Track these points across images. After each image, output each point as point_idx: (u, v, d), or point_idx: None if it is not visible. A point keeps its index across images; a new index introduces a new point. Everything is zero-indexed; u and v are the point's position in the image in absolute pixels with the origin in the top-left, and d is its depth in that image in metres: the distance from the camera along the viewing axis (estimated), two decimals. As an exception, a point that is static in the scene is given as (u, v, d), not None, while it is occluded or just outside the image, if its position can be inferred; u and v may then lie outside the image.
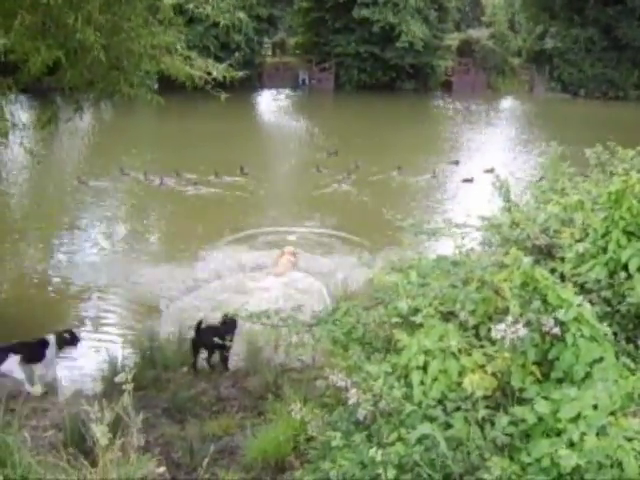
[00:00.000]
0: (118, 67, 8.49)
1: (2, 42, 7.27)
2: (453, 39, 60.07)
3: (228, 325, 9.11)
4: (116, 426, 4.01)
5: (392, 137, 31.77)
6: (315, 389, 7.11)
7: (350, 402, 4.32)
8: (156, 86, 9.48)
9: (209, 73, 9.46)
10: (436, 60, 54.95)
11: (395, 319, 4.71)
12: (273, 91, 49.72)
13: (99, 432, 3.49)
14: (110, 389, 7.95)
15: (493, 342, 4.30)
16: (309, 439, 5.99)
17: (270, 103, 47.93)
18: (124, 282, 13.82)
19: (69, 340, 9.45)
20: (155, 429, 6.97)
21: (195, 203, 20.67)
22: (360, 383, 4.61)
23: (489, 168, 22.43)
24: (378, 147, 27.67)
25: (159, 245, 17.24)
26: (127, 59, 8.43)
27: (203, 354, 9.29)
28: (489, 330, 4.40)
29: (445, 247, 6.68)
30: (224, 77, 9.54)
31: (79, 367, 9.96)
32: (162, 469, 6.43)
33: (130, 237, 17.65)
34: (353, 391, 4.29)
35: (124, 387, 3.71)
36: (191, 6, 9.12)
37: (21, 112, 9.45)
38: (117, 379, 3.68)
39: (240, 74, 9.68)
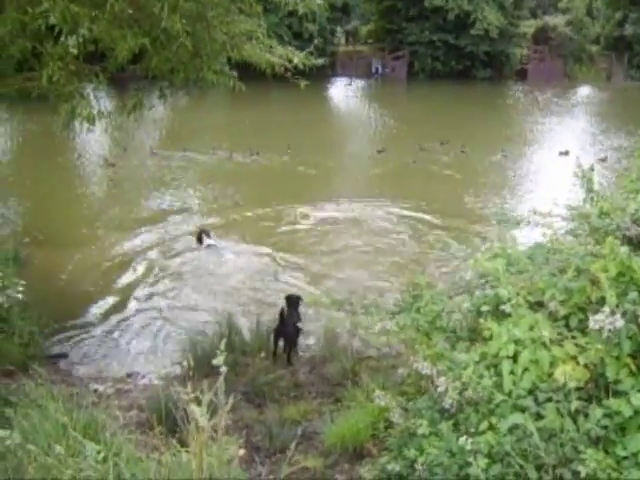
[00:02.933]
0: (201, 54, 8.58)
1: (84, 32, 7.44)
2: (529, 26, 58.98)
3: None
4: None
5: (465, 126, 31.38)
6: (393, 377, 7.10)
7: (438, 390, 4.30)
8: (235, 74, 9.50)
9: (290, 61, 9.48)
10: (511, 48, 54.11)
11: (485, 307, 4.64)
12: (346, 80, 49.63)
13: (198, 412, 3.54)
14: (190, 372, 8.14)
15: (584, 333, 4.22)
16: (388, 426, 6.00)
17: (343, 92, 47.90)
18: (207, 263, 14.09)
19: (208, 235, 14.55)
20: (235, 412, 7.06)
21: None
22: (446, 371, 4.59)
23: (564, 151, 22.63)
24: (451, 135, 27.34)
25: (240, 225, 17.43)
26: (210, 46, 8.52)
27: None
28: (580, 321, 4.32)
29: (525, 236, 6.59)
30: (303, 65, 9.56)
31: (159, 349, 10.16)
32: (242, 452, 6.50)
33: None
34: (442, 379, 4.27)
35: (220, 369, 3.75)
36: (269, -6, 9.17)
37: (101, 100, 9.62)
38: (215, 362, 3.72)
39: (320, 61, 9.68)
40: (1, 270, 9.58)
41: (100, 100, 9.51)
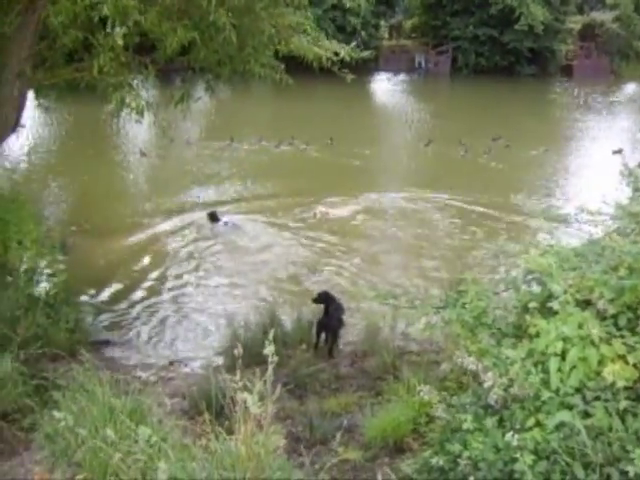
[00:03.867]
0: (248, 47, 8.63)
1: (133, 24, 7.54)
2: (575, 22, 58.06)
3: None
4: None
5: (510, 122, 31.09)
6: (434, 372, 7.09)
7: (485, 386, 4.29)
8: (282, 67, 9.56)
9: (336, 54, 9.50)
10: (557, 44, 53.32)
11: (532, 304, 4.61)
12: (389, 74, 49.44)
13: (249, 400, 3.58)
14: (232, 361, 8.22)
15: (634, 332, 4.18)
16: (429, 421, 6.00)
17: (386, 86, 47.73)
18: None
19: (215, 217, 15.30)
20: (276, 403, 7.11)
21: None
22: (491, 367, 4.57)
23: (617, 149, 22.20)
24: (496, 131, 27.11)
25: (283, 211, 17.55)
26: (258, 39, 8.57)
27: None
28: (629, 320, 4.28)
29: (571, 233, 6.54)
30: (349, 58, 9.57)
31: (200, 339, 10.27)
32: (283, 442, 6.54)
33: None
34: (489, 374, 4.26)
35: (270, 359, 3.79)
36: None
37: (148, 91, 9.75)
38: (265, 351, 3.76)
39: (366, 54, 9.68)
40: (48, 258, 9.78)
41: (147, 91, 9.62)
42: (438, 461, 4.44)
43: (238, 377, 3.82)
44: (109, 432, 3.73)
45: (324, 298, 9.39)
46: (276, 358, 3.83)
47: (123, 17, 7.05)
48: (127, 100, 8.49)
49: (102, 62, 7.51)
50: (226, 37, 7.55)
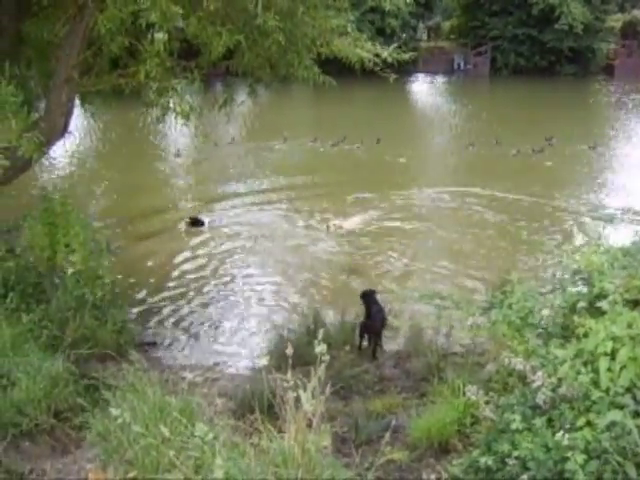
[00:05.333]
0: (293, 50, 8.71)
1: (179, 29, 7.66)
2: (616, 20, 57.26)
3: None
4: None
5: (552, 121, 30.76)
6: (479, 374, 7.08)
7: (534, 385, 4.29)
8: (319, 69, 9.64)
9: (377, 55, 9.53)
10: (597, 43, 52.58)
11: (581, 304, 4.60)
12: (428, 76, 49.31)
13: (304, 398, 3.63)
14: (277, 362, 8.30)
15: (684, 332, 4.15)
16: (474, 422, 6.00)
17: (425, 88, 47.62)
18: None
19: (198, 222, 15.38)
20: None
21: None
22: (539, 367, 4.57)
23: None
24: (536, 133, 26.87)
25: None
26: (301, 42, 8.64)
27: None
28: (679, 320, 4.25)
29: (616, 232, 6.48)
30: (392, 60, 9.59)
31: (244, 340, 10.37)
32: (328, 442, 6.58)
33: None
34: (538, 374, 4.26)
35: (322, 358, 3.84)
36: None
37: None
38: (317, 350, 3.81)
39: (407, 56, 9.69)
40: (95, 261, 9.93)
41: (191, 96, 9.75)
42: (486, 461, 4.45)
43: (289, 376, 3.87)
44: (163, 429, 3.80)
45: (369, 297, 9.43)
46: (327, 357, 3.88)
47: (169, 23, 7.17)
48: (172, 104, 8.63)
49: (149, 68, 7.62)
50: (273, 40, 7.63)
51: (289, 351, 3.97)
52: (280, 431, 4.19)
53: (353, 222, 16.17)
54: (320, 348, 3.85)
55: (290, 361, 3.98)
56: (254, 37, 7.93)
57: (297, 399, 4.00)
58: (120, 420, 4.13)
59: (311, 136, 25.97)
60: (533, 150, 23.72)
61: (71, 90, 8.57)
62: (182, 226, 15.52)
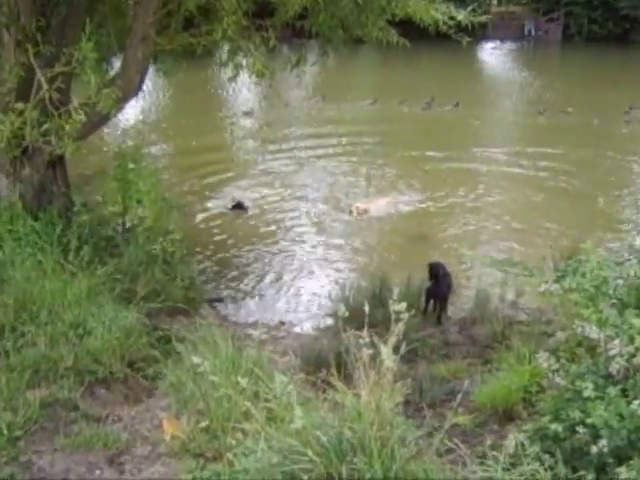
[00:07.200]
0: (368, 10, 8.63)
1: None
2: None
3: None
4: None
5: (628, 90, 29.89)
6: (545, 343, 7.04)
7: (609, 354, 4.25)
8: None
9: (452, 18, 9.40)
10: (675, 10, 50.66)
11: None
12: (497, 42, 48.27)
13: (384, 352, 3.68)
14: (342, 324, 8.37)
15: None
16: (539, 391, 5.98)
17: (495, 53, 46.66)
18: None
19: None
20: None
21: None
22: (614, 337, 4.53)
23: None
24: (606, 105, 26.17)
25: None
26: (377, 2, 8.56)
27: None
28: None
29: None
30: (464, 23, 9.46)
31: (309, 300, 10.49)
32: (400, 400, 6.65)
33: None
34: (615, 342, 4.22)
35: (401, 316, 3.87)
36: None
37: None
38: (397, 308, 3.85)
39: (483, 18, 9.55)
40: (165, 217, 10.13)
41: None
42: (556, 428, 4.43)
43: (365, 333, 3.92)
44: (240, 380, 3.88)
45: (436, 267, 9.39)
46: (406, 315, 3.91)
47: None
48: (245, 63, 8.67)
49: (225, 26, 7.66)
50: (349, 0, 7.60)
51: (366, 308, 4.01)
52: (351, 388, 4.24)
53: (379, 205, 14.85)
54: (399, 306, 3.88)
55: (367, 319, 4.02)
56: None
57: (372, 356, 4.04)
58: (200, 369, 4.22)
59: (406, 98, 26.13)
60: (628, 120, 23.10)
61: (147, 48, 8.65)
62: (227, 205, 14.83)
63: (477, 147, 20.23)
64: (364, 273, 10.88)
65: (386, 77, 34.73)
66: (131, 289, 8.06)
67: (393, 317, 4.05)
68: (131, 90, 8.77)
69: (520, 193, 15.85)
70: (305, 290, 10.88)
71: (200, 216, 13.98)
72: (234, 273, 11.36)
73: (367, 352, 3.86)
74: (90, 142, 10.34)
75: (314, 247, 12.81)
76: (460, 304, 9.72)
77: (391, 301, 4.02)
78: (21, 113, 7.67)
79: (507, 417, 6.38)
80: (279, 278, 11.32)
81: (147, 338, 6.93)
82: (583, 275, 5.47)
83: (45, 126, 7.68)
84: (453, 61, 33.24)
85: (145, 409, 5.87)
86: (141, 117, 23.58)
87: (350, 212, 14.36)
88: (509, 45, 48.55)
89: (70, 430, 5.36)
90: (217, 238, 12.81)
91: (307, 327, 9.34)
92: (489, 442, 4.27)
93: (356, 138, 20.97)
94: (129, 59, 8.72)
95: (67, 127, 7.54)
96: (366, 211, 14.30)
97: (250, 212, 14.42)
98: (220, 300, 10.10)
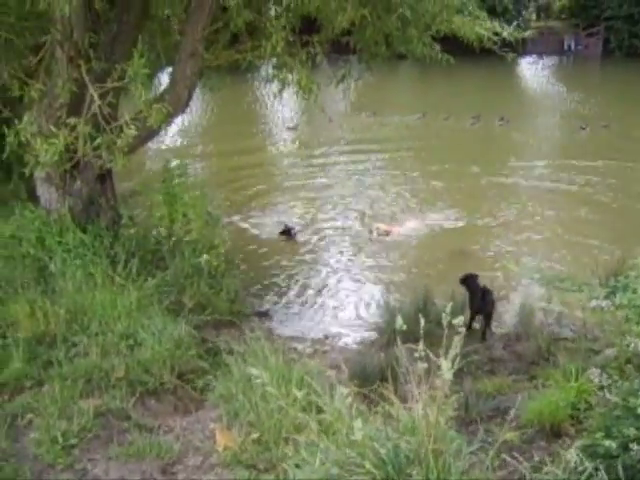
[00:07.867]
0: (414, 26, 8.69)
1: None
2: None
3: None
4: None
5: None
6: (592, 359, 6.99)
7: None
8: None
9: (496, 34, 9.43)
10: None
11: None
12: (536, 57, 48.03)
13: (444, 365, 3.71)
14: (387, 338, 8.41)
15: None
16: (587, 408, 5.94)
17: (533, 69, 46.44)
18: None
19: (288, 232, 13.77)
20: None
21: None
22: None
23: None
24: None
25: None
26: (423, 18, 8.62)
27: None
28: None
29: None
30: (502, 40, 9.51)
31: (354, 314, 10.52)
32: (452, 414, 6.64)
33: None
34: (671, 359, 4.19)
35: (459, 330, 3.90)
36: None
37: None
38: (455, 322, 3.89)
39: (527, 33, 9.57)
40: (210, 231, 10.24)
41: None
42: (610, 444, 4.40)
43: (421, 346, 3.95)
44: (296, 391, 3.93)
45: (470, 280, 9.37)
46: (464, 329, 3.94)
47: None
48: (292, 79, 8.76)
49: (275, 42, 7.77)
50: (398, 15, 7.65)
51: (421, 322, 4.04)
52: (402, 401, 4.26)
53: (407, 226, 14.46)
54: (457, 320, 3.91)
55: (422, 332, 4.05)
56: (378, 12, 7.95)
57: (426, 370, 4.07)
58: (257, 380, 4.27)
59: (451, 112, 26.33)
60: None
61: (195, 64, 8.79)
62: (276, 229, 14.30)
63: (521, 161, 20.38)
64: (406, 288, 10.88)
65: (427, 92, 34.84)
66: (178, 301, 8.18)
67: (446, 332, 4.07)
68: (180, 105, 8.91)
69: (562, 208, 15.73)
70: (347, 304, 10.89)
71: (244, 230, 14.12)
72: (278, 286, 11.42)
73: (422, 366, 3.88)
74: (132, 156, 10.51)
75: (359, 260, 12.84)
76: (503, 320, 9.68)
77: (444, 314, 4.05)
78: (73, 128, 7.83)
79: (554, 434, 6.33)
80: (320, 292, 11.35)
81: (196, 350, 7.02)
82: (635, 291, 5.45)
83: (97, 141, 7.83)
84: (492, 76, 33.43)
85: (196, 420, 5.94)
86: (188, 133, 23.93)
87: (370, 232, 14.15)
88: (548, 60, 48.30)
89: (123, 439, 5.45)
90: (258, 252, 12.91)
91: (351, 341, 9.37)
92: (537, 458, 4.26)
93: (405, 153, 21.28)
94: (178, 75, 8.87)
95: (118, 141, 7.69)
96: (387, 232, 13.98)
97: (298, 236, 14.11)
98: (265, 314, 10.17)
